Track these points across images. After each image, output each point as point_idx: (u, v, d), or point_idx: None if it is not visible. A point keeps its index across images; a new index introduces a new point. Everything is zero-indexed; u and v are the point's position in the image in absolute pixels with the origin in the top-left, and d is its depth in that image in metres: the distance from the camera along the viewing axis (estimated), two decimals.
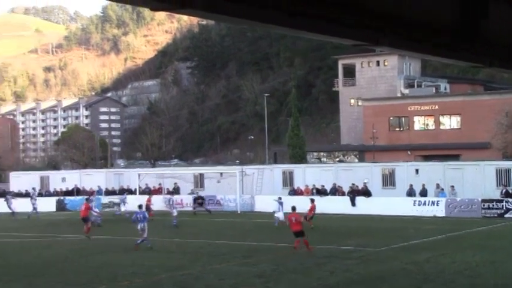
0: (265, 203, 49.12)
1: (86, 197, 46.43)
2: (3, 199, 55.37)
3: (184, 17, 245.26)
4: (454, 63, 12.68)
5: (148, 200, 47.84)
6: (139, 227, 30.38)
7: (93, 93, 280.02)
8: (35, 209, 52.46)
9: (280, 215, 39.60)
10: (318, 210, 48.11)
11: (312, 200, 40.05)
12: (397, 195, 49.23)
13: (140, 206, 32.77)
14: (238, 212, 52.11)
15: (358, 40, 9.70)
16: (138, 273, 23.53)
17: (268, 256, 27.29)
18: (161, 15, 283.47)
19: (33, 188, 58.72)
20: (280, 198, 42.10)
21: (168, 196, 52.33)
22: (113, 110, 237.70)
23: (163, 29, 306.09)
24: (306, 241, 28.13)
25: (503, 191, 45.55)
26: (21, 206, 53.42)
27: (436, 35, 10.01)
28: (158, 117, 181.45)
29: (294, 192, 53.00)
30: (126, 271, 24.09)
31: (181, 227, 40.11)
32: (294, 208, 29.79)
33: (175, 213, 41.58)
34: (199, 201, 52.82)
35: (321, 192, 51.06)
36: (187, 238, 34.67)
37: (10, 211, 52.75)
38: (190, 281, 21.99)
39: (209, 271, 23.71)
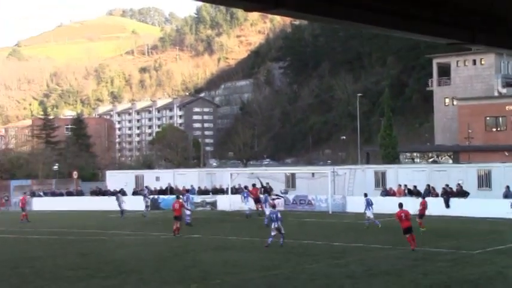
0: (356, 204, 48.67)
1: (177, 195, 47.07)
2: (114, 198, 56.18)
3: (277, 17, 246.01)
4: None
5: (255, 193, 48.39)
6: (273, 226, 30.88)
7: (187, 94, 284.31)
8: (147, 207, 53.43)
9: (369, 213, 39.31)
10: (410, 212, 47.57)
11: (423, 196, 39.44)
12: (493, 197, 47.98)
13: (274, 206, 33.34)
14: (330, 213, 51.88)
15: (454, 39, 9.50)
16: (229, 272, 23.70)
17: (360, 257, 27.05)
18: (254, 15, 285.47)
19: (146, 187, 59.47)
20: (366, 195, 41.58)
21: (263, 196, 52.29)
22: (206, 110, 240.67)
23: (256, 29, 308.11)
24: (413, 236, 28.43)
25: None
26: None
27: None
28: (251, 117, 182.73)
29: (386, 193, 52.41)
30: (218, 270, 24.30)
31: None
32: (401, 205, 30.04)
33: (268, 212, 41.71)
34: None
35: (413, 193, 50.31)
36: (278, 238, 34.69)
37: (120, 210, 52.75)
38: (281, 281, 22.01)
39: (300, 271, 23.67)
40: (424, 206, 37.71)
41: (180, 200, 39.44)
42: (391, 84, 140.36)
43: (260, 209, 47.74)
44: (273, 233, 30.71)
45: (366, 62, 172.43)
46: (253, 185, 51.88)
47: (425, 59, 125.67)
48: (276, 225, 30.74)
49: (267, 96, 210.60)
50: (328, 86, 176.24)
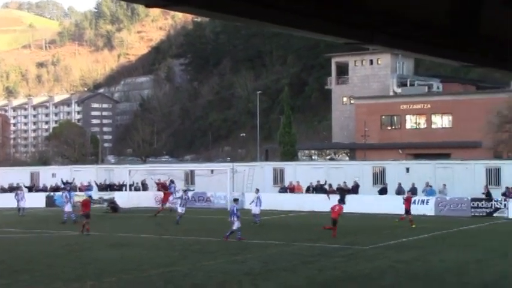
0: None
1: (89, 194, 46.21)
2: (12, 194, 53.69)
3: (179, 14, 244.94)
4: (446, 62, 12.66)
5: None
6: (230, 219, 32.03)
7: (86, 89, 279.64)
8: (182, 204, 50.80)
9: (256, 210, 39.39)
10: (307, 208, 48.41)
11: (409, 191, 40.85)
12: (388, 193, 49.26)
13: (235, 200, 33.41)
14: (228, 209, 51.92)
15: (352, 38, 9.67)
16: (126, 269, 23.45)
17: (257, 254, 27.27)
18: (155, 11, 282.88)
19: (172, 180, 56.32)
20: (257, 190, 41.98)
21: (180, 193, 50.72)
22: (104, 106, 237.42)
23: (157, 25, 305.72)
24: (330, 227, 32.50)
25: (485, 191, 45.79)
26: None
27: (429, 34, 9.97)
28: (150, 113, 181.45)
29: (285, 189, 52.98)
30: (115, 267, 24.03)
31: (171, 224, 40.07)
32: (340, 200, 35.60)
33: (179, 210, 41.15)
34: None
35: (317, 189, 51.13)
36: (176, 235, 34.62)
37: (18, 207, 49.52)
38: (179, 277, 21.95)
39: (198, 268, 23.65)
40: (409, 202, 38.69)
41: (86, 198, 38.78)
42: (291, 82, 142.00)
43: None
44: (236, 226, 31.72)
45: (267, 60, 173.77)
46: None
47: (325, 58, 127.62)
48: (232, 219, 31.84)
49: (167, 92, 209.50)
50: (228, 84, 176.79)
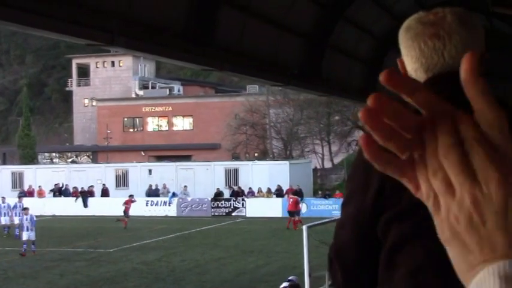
0: None
1: None
2: None
3: None
4: (187, 65, 13.20)
5: None
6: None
7: None
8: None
9: (3, 220, 37.27)
10: (49, 213, 47.30)
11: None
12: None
13: (24, 209, 30.98)
14: None
15: (92, 40, 9.63)
16: None
17: None
18: None
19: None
20: (3, 199, 39.90)
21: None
22: None
23: None
24: (296, 221, 34.17)
25: (232, 191, 47.63)
26: None
27: (168, 38, 10.23)
28: None
29: (25, 193, 51.26)
30: None
31: None
32: (294, 192, 39.12)
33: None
34: None
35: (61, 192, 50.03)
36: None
37: None
38: None
39: None
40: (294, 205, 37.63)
41: None
42: (30, 83, 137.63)
43: None
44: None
45: (3, 60, 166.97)
46: None
47: (66, 59, 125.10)
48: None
49: None
50: None
